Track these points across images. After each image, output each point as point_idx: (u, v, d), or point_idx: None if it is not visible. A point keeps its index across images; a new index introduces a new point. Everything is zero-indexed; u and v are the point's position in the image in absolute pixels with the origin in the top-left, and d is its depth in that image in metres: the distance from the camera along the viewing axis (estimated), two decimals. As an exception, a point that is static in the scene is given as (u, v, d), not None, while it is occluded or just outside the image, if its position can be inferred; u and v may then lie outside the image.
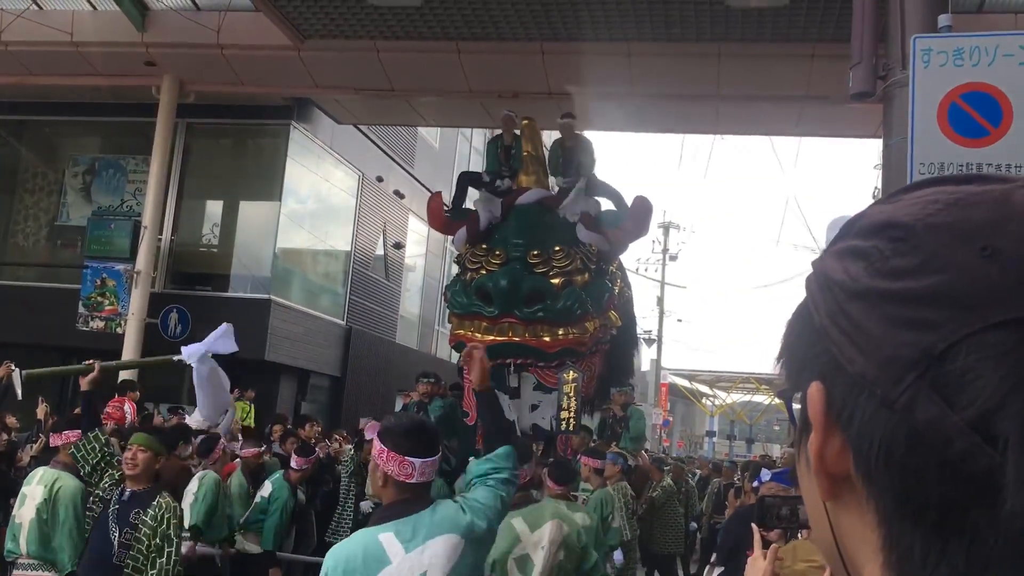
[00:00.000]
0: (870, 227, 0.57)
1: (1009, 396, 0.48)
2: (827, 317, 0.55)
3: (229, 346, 6.05)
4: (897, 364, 0.51)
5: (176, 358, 5.08)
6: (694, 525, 13.60)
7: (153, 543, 4.33)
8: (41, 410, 9.23)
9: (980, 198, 0.54)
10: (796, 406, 0.61)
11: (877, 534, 0.53)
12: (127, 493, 4.51)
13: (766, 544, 2.55)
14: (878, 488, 0.52)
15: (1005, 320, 0.49)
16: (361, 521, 9.58)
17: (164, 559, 4.34)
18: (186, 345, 5.60)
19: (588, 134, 11.55)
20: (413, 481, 2.66)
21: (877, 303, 0.53)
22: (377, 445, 2.71)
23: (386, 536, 2.59)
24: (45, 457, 6.46)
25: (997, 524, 0.48)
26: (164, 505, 4.44)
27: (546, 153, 11.47)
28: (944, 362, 0.49)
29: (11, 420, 9.62)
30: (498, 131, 11.66)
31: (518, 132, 11.03)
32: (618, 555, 8.45)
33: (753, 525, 2.50)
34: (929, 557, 0.50)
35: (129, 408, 10.12)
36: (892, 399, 0.50)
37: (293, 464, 7.90)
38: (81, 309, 13.54)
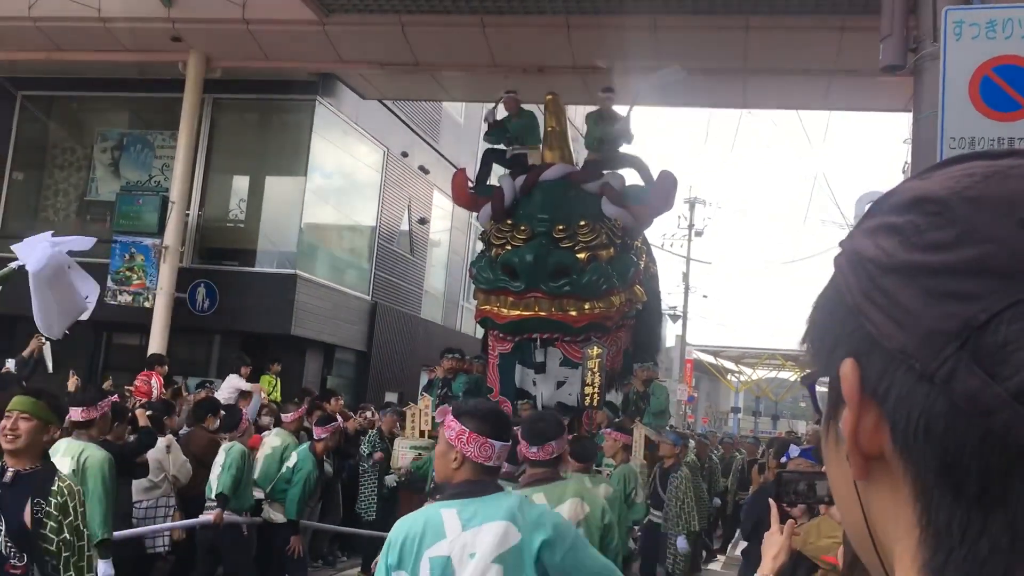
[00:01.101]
0: (903, 203, 0.56)
1: None
2: (860, 294, 0.55)
3: (83, 243, 5.37)
4: (937, 336, 0.50)
5: (16, 264, 4.00)
6: (717, 501, 13.63)
7: (62, 539, 3.46)
8: (72, 383, 9.36)
9: (1017, 171, 0.54)
10: (821, 390, 0.61)
11: (912, 510, 0.52)
12: (9, 474, 3.55)
13: (787, 519, 2.56)
14: (916, 463, 0.52)
15: None
16: (386, 495, 9.68)
17: (77, 556, 3.50)
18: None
19: (615, 108, 11.49)
20: (490, 464, 2.75)
21: (914, 277, 0.52)
22: (455, 427, 2.75)
23: (448, 512, 2.66)
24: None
25: None
26: (67, 490, 3.54)
27: (569, 125, 11.43)
28: (985, 333, 0.49)
29: (43, 393, 9.76)
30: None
31: (524, 107, 11.06)
32: (681, 543, 8.48)
33: (771, 500, 2.51)
34: (968, 531, 0.50)
35: (156, 382, 10.24)
36: (932, 371, 0.50)
37: (315, 435, 8.00)
38: (110, 283, 13.68)
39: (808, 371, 0.61)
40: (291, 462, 7.77)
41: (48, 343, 9.97)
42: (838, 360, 0.56)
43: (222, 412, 8.31)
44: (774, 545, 2.51)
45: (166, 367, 10.85)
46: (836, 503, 0.62)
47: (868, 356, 0.54)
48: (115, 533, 5.57)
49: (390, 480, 9.59)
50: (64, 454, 5.31)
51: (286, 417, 8.88)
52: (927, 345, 0.50)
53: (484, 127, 11.64)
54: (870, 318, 0.54)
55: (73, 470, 5.22)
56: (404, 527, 2.67)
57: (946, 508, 0.51)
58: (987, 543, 0.49)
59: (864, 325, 0.54)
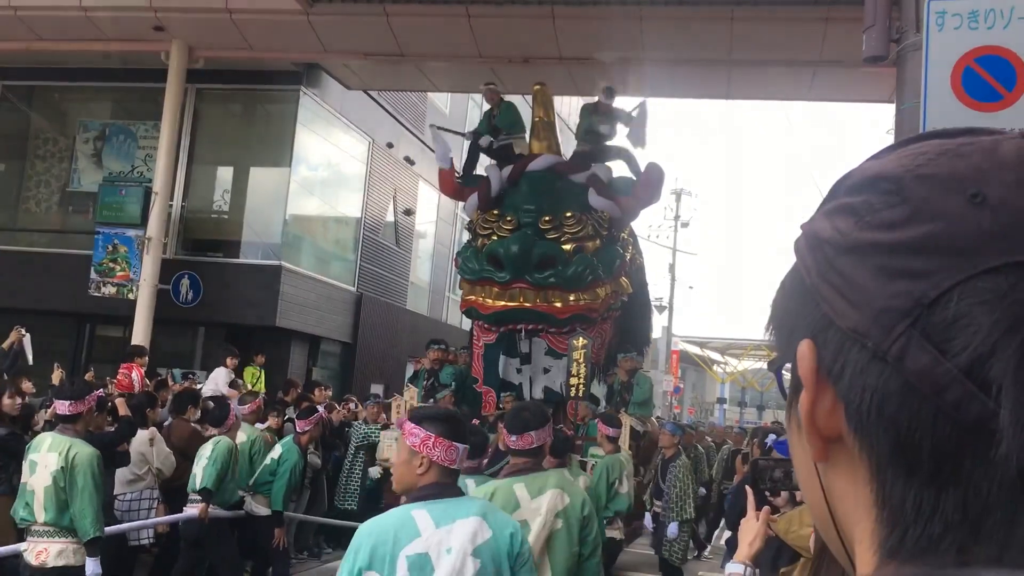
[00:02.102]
0: (859, 183, 0.56)
1: (1001, 341, 0.47)
2: (817, 276, 0.55)
3: None
4: (889, 314, 0.50)
5: None
6: (703, 490, 13.68)
7: None
8: (57, 375, 9.31)
9: (969, 148, 0.54)
10: (788, 376, 0.61)
11: (869, 491, 0.52)
12: None
13: (764, 506, 2.58)
14: (870, 442, 0.52)
15: (996, 265, 0.49)
16: (370, 487, 9.66)
17: None
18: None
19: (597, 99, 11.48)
20: (454, 467, 2.82)
21: (868, 255, 0.52)
22: (419, 433, 2.79)
23: (419, 512, 2.72)
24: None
25: (991, 471, 0.48)
26: None
27: (557, 118, 11.40)
28: (935, 310, 0.49)
29: (27, 385, 9.69)
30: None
31: (505, 98, 11.06)
32: (672, 528, 8.56)
33: (747, 487, 2.53)
34: (922, 509, 0.50)
35: (136, 375, 10.17)
36: (884, 350, 0.50)
37: (297, 427, 7.96)
38: (93, 275, 13.60)
39: (773, 357, 0.61)
40: (275, 454, 7.73)
41: (28, 335, 9.92)
42: (797, 342, 0.55)
43: (209, 404, 8.25)
44: (750, 531, 2.53)
45: (146, 358, 10.77)
46: (800, 487, 0.62)
47: (824, 336, 0.54)
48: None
49: (374, 472, 9.57)
50: (51, 449, 5.19)
51: (243, 409, 8.69)
52: (879, 323, 0.50)
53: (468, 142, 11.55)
54: (826, 298, 0.54)
55: (61, 467, 5.10)
56: (373, 529, 2.71)
57: (900, 487, 0.51)
58: (940, 521, 0.49)
59: (821, 306, 0.54)
